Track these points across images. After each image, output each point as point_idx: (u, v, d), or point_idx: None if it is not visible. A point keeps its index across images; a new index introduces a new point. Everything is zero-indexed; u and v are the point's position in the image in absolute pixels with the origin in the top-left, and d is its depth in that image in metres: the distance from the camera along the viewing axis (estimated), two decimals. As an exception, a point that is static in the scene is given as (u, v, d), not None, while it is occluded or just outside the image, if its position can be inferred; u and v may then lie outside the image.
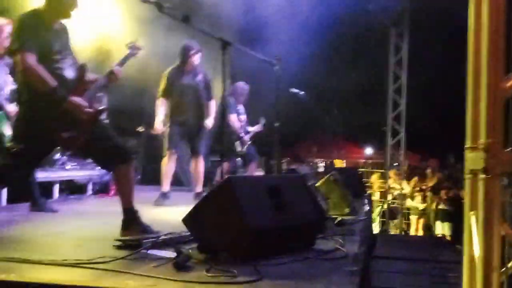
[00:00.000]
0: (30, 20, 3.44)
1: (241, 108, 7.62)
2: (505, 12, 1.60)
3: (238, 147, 7.33)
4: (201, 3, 7.70)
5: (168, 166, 6.01)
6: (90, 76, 3.69)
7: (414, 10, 10.44)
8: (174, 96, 6.05)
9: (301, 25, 8.47)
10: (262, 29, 8.31)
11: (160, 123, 6.04)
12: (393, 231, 11.80)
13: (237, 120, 7.38)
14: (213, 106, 6.28)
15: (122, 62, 3.76)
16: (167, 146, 6.04)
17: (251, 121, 7.90)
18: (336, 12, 8.38)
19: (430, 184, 11.44)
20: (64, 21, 3.64)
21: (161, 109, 6.07)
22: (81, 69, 3.58)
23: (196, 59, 6.08)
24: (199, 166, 6.20)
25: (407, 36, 11.07)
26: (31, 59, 3.28)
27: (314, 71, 9.96)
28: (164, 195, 5.94)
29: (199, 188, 6.20)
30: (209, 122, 6.20)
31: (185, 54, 6.02)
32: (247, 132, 7.59)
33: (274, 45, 7.25)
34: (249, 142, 7.52)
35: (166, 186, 6.00)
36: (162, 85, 6.11)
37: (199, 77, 6.15)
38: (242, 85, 7.52)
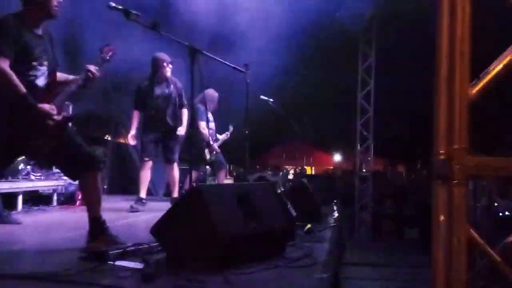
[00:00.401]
0: (11, 22, 3.30)
1: (210, 116, 7.58)
2: (471, 19, 1.63)
3: (207, 155, 7.29)
4: (175, 11, 7.68)
5: (143, 173, 6.26)
6: (66, 77, 3.61)
7: (382, 17, 10.60)
8: (147, 107, 6.27)
9: (270, 32, 8.51)
10: (232, 37, 8.33)
11: (131, 137, 6.33)
12: (363, 237, 11.90)
13: (206, 127, 7.34)
14: (185, 114, 6.46)
15: (98, 64, 3.58)
16: (142, 155, 6.32)
17: (221, 129, 7.89)
18: (305, 20, 8.45)
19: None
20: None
21: (134, 122, 6.33)
22: (51, 75, 3.49)
23: (167, 70, 6.28)
24: (174, 173, 6.44)
25: (375, 43, 11.25)
26: (3, 63, 3.18)
27: (284, 79, 10.02)
28: (141, 201, 6.15)
29: (175, 194, 6.44)
30: (182, 130, 6.39)
31: (157, 65, 6.23)
32: (216, 140, 7.56)
33: (244, 53, 7.27)
34: (218, 150, 7.48)
35: (142, 192, 6.23)
36: (135, 97, 6.36)
37: (171, 87, 6.33)
38: (211, 92, 7.49)
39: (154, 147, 6.31)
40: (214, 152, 7.35)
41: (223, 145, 7.75)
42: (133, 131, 6.30)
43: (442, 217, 1.66)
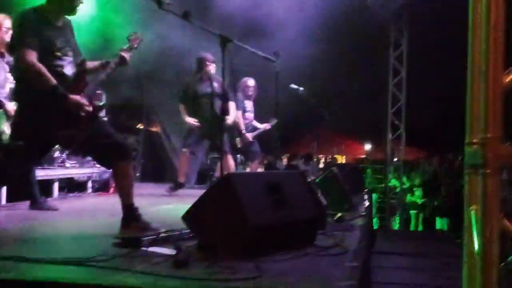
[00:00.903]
0: (32, 16, 3.41)
1: (248, 104, 7.60)
2: (504, 6, 1.60)
3: (238, 144, 7.33)
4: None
5: (183, 161, 6.95)
6: (95, 65, 3.66)
7: (414, 4, 10.41)
8: (191, 102, 6.73)
9: (301, 21, 8.44)
10: (262, 26, 8.30)
11: (190, 119, 6.73)
12: (394, 226, 11.81)
13: (241, 117, 7.37)
14: (232, 107, 6.74)
15: (123, 53, 3.63)
16: (183, 144, 6.95)
17: (261, 119, 7.86)
18: (337, 8, 8.36)
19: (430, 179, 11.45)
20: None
21: (185, 112, 6.80)
22: (81, 65, 3.55)
23: (211, 68, 6.67)
24: (228, 163, 6.69)
25: (407, 31, 11.06)
26: (32, 56, 3.25)
27: (314, 67, 9.94)
28: (179, 184, 6.73)
29: None
30: (229, 119, 6.59)
31: (201, 64, 6.65)
32: (253, 129, 7.58)
33: (274, 42, 7.24)
34: (251, 140, 7.49)
35: (181, 177, 6.80)
36: (181, 92, 6.86)
37: (215, 85, 6.63)
38: (246, 81, 7.50)
39: (195, 140, 6.79)
40: (246, 141, 7.37)
41: (259, 135, 7.74)
42: (189, 118, 6.71)
43: (474, 207, 1.65)
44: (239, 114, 7.30)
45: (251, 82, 7.53)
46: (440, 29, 9.44)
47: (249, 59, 6.23)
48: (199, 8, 6.29)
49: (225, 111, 6.45)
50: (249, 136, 7.43)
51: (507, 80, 1.62)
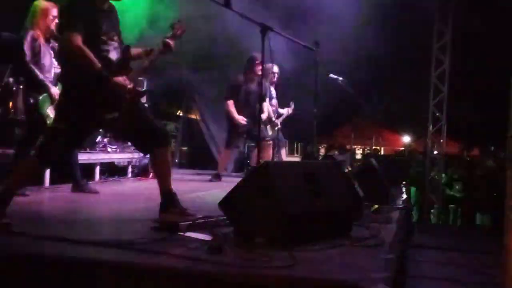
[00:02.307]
0: (79, 1, 3.47)
1: (273, 91, 7.60)
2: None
3: (270, 131, 7.35)
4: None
5: (225, 157, 7.50)
6: (140, 50, 3.68)
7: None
8: (241, 101, 6.87)
9: (342, 9, 8.34)
10: (303, 14, 8.24)
11: (242, 119, 6.83)
12: (432, 220, 11.62)
13: (269, 104, 7.38)
14: (267, 105, 7.15)
15: (167, 41, 3.59)
16: (227, 143, 7.19)
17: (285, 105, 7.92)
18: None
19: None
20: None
21: (234, 110, 6.89)
22: (126, 52, 3.59)
23: (260, 69, 6.39)
24: (268, 152, 6.95)
25: (451, 21, 10.77)
26: (77, 40, 3.28)
27: (354, 57, 9.81)
28: (219, 176, 6.98)
29: None
30: (264, 115, 6.84)
31: (251, 63, 6.76)
32: (279, 116, 7.61)
33: (314, 30, 7.19)
34: (280, 126, 7.54)
35: (221, 170, 7.23)
36: (231, 90, 6.94)
37: (264, 86, 6.67)
38: (269, 66, 7.46)
39: (240, 139, 7.12)
40: (276, 128, 7.41)
41: (287, 122, 7.78)
42: (238, 116, 6.82)
43: (515, 203, 1.61)
44: (267, 101, 7.31)
45: (275, 68, 7.50)
46: (485, 20, 9.17)
47: (284, 48, 6.18)
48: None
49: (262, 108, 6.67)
50: (278, 122, 7.49)
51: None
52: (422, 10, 10.22)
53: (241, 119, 6.76)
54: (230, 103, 6.82)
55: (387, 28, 9.52)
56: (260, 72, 6.49)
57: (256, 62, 6.55)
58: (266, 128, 7.20)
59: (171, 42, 3.60)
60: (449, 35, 10.80)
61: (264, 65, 6.97)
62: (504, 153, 9.29)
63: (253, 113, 6.60)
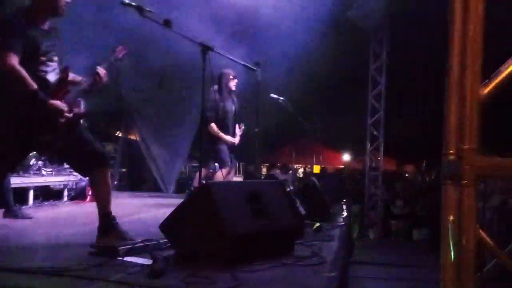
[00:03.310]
0: (16, 18, 3.31)
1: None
2: (483, 19, 1.62)
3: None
4: (187, 7, 7.68)
5: (220, 176, 6.53)
6: (75, 77, 3.60)
7: (394, 17, 10.54)
8: (219, 118, 6.46)
9: (282, 31, 8.49)
10: (243, 36, 8.32)
11: (228, 137, 6.51)
12: (372, 236, 11.87)
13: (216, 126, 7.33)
14: (241, 128, 6.84)
15: (107, 66, 3.61)
16: (223, 163, 6.50)
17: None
18: (317, 18, 8.42)
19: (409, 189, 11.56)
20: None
21: (220, 132, 6.47)
22: (64, 72, 3.49)
23: (234, 84, 6.52)
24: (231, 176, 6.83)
25: (387, 42, 11.19)
26: (13, 60, 3.16)
27: (294, 77, 9.98)
28: None
29: None
30: (237, 140, 6.71)
31: (224, 80, 6.44)
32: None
33: (255, 51, 7.26)
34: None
35: None
36: (212, 112, 6.40)
37: (235, 100, 6.64)
38: (226, 71, 7.45)
39: (229, 156, 6.60)
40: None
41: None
42: (228, 137, 6.51)
43: (451, 218, 1.66)
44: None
45: (229, 71, 7.49)
46: (420, 41, 9.57)
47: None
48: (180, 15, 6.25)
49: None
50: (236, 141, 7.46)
51: (484, 92, 1.64)
52: (360, 32, 10.57)
53: (230, 138, 6.59)
54: (214, 126, 6.46)
55: (327, 49, 9.76)
56: (234, 88, 6.55)
57: (231, 77, 6.46)
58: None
59: (103, 74, 3.55)
60: (384, 56, 11.20)
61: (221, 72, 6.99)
62: (439, 169, 9.66)
63: (233, 131, 6.60)
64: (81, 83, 3.58)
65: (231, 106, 6.56)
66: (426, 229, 11.05)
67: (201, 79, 4.18)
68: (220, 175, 7.42)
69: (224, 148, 6.51)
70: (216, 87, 6.39)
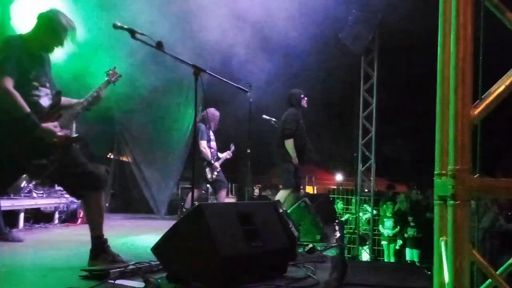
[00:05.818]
0: (14, 43, 3.40)
1: (212, 135, 7.60)
2: (472, 41, 1.64)
3: (209, 174, 7.28)
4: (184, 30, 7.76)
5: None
6: (69, 100, 3.66)
7: (384, 38, 10.67)
8: (299, 136, 6.57)
9: (273, 53, 8.57)
10: (235, 57, 8.37)
11: (295, 158, 6.47)
12: (364, 258, 11.82)
13: (207, 147, 7.35)
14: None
15: (102, 88, 3.74)
16: (286, 184, 6.47)
17: (223, 148, 7.90)
18: (309, 41, 8.51)
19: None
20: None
21: (294, 149, 6.51)
22: (57, 96, 3.53)
23: (305, 103, 6.79)
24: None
25: (377, 64, 11.29)
26: (8, 83, 3.21)
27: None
28: None
29: None
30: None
31: (299, 99, 6.70)
32: (217, 159, 7.56)
33: (247, 73, 7.31)
34: (219, 169, 7.48)
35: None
36: (293, 127, 6.49)
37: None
38: (213, 111, 7.53)
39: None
40: (216, 172, 7.35)
41: (225, 164, 7.75)
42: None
43: (444, 238, 1.66)
44: (204, 144, 7.28)
45: (217, 112, 7.60)
46: (410, 62, 9.69)
47: (218, 89, 6.22)
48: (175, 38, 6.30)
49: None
50: (217, 165, 7.43)
51: (475, 113, 1.65)
52: (352, 54, 10.68)
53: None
54: (291, 143, 6.48)
55: (320, 70, 9.85)
56: (305, 106, 6.79)
57: (302, 96, 6.70)
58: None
59: (102, 92, 3.67)
60: (374, 77, 11.29)
61: (206, 110, 7.16)
62: (431, 190, 9.68)
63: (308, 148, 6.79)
64: (79, 103, 3.62)
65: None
66: (418, 250, 11.03)
67: (193, 101, 4.20)
68: (223, 195, 7.46)
69: (291, 168, 6.50)
70: None
